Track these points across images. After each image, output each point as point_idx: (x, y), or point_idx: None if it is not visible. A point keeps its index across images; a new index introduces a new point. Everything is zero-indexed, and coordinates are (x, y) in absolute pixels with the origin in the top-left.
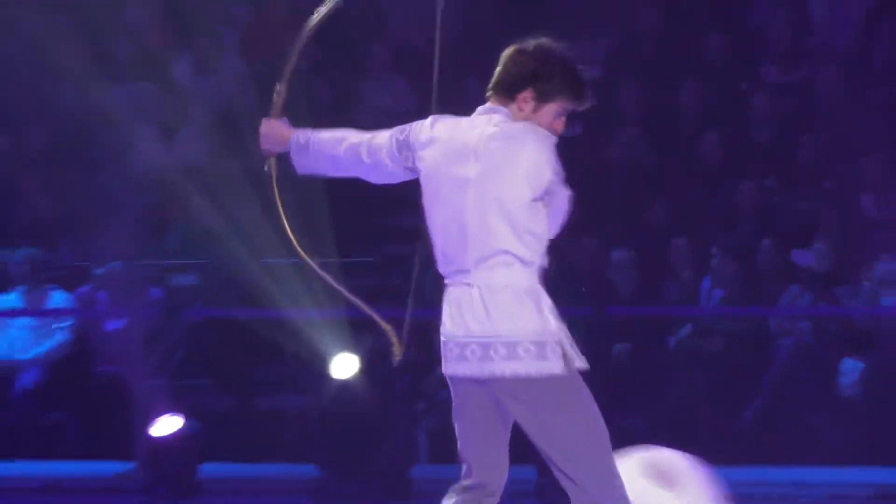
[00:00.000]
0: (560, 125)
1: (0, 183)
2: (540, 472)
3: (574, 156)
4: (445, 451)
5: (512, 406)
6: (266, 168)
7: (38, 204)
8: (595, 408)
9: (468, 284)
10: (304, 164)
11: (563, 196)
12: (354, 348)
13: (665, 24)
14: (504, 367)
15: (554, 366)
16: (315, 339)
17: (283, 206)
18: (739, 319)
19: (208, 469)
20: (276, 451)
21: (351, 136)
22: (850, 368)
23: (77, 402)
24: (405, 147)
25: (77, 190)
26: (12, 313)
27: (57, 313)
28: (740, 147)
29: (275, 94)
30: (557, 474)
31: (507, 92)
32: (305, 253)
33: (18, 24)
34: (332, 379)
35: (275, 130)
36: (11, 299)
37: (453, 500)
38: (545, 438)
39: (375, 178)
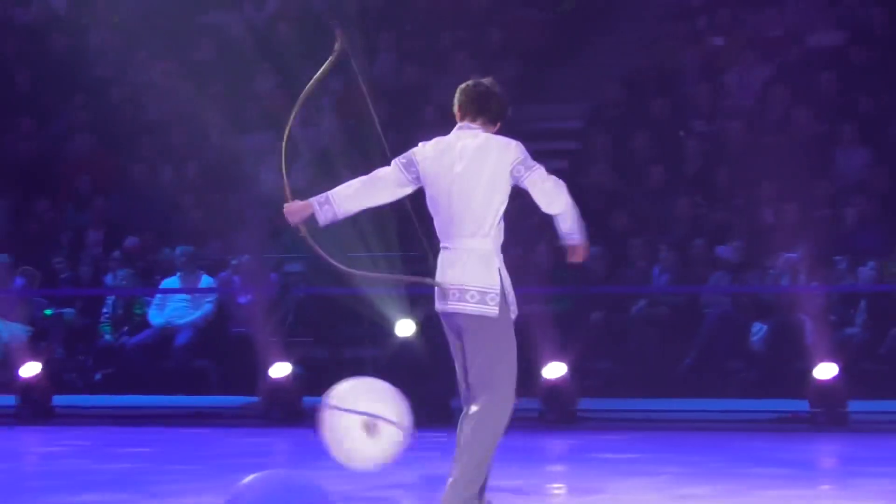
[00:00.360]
0: None
1: (165, 200)
2: (542, 402)
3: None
4: None
5: (462, 334)
6: (301, 233)
7: (192, 215)
8: (513, 345)
9: (448, 248)
10: (327, 217)
11: (537, 170)
12: (412, 315)
13: (624, 91)
14: (457, 306)
15: (491, 310)
16: (384, 309)
17: (317, 247)
18: (679, 295)
19: (309, 401)
20: None
21: (358, 178)
22: (758, 329)
23: (217, 354)
24: (410, 164)
25: (219, 205)
26: (174, 291)
27: (204, 291)
28: (677, 176)
29: (284, 185)
30: (473, 382)
31: (494, 118)
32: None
33: (178, 89)
34: (396, 336)
35: (294, 207)
36: (173, 281)
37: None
38: (475, 358)
39: (385, 198)
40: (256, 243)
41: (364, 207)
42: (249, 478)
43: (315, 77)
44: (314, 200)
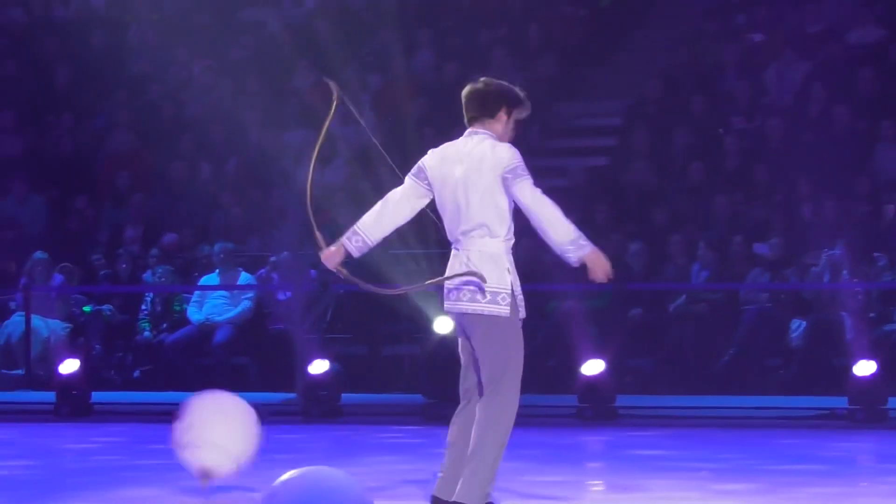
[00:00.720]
0: (515, 129)
1: (205, 197)
2: (579, 399)
3: (602, 180)
4: None
5: (471, 333)
6: (343, 275)
7: (231, 212)
8: (521, 345)
9: (458, 249)
10: (359, 248)
11: (523, 180)
12: None
13: (664, 88)
14: (468, 306)
15: (501, 310)
16: (423, 306)
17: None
18: (718, 292)
19: (347, 397)
20: (395, 384)
21: (378, 203)
22: (797, 326)
23: (256, 351)
24: (420, 172)
25: (258, 202)
26: (213, 288)
27: (243, 288)
28: (716, 173)
29: (315, 233)
30: (483, 381)
31: (495, 112)
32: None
33: (217, 86)
34: (434, 333)
35: (328, 254)
36: (212, 278)
37: (458, 417)
38: (485, 357)
39: (407, 213)
40: (295, 240)
41: (392, 227)
42: (287, 474)
43: (323, 131)
44: (343, 239)
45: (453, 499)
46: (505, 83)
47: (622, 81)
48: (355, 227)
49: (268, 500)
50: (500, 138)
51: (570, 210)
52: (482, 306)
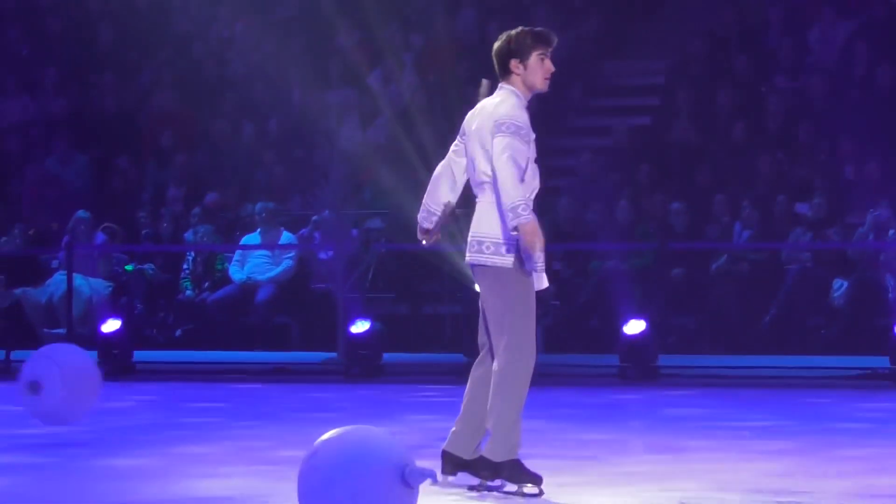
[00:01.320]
0: (549, 66)
1: (247, 157)
2: (621, 359)
3: (645, 139)
4: (552, 343)
5: (480, 284)
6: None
7: (273, 171)
8: (528, 299)
9: (476, 203)
10: (434, 221)
11: (500, 138)
12: None
13: (707, 47)
14: (475, 257)
15: (504, 261)
16: (463, 265)
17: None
18: (760, 251)
19: (389, 357)
20: (436, 343)
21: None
22: (839, 286)
23: (298, 309)
24: (462, 133)
25: (301, 161)
26: (255, 247)
27: (285, 247)
28: (760, 132)
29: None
30: (491, 332)
31: (502, 69)
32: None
33: (262, 45)
34: (474, 292)
35: (421, 237)
36: (254, 237)
37: (474, 373)
38: (489, 307)
39: (459, 173)
40: (338, 199)
41: (452, 190)
42: (330, 433)
43: None
44: (420, 219)
45: (481, 454)
46: (515, 31)
47: (665, 41)
48: (423, 204)
49: (310, 459)
50: (531, 87)
51: (613, 168)
52: (486, 257)
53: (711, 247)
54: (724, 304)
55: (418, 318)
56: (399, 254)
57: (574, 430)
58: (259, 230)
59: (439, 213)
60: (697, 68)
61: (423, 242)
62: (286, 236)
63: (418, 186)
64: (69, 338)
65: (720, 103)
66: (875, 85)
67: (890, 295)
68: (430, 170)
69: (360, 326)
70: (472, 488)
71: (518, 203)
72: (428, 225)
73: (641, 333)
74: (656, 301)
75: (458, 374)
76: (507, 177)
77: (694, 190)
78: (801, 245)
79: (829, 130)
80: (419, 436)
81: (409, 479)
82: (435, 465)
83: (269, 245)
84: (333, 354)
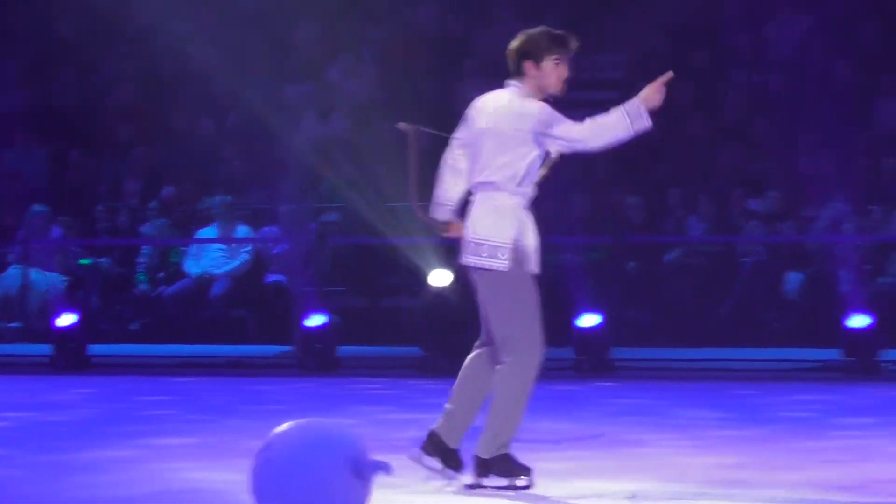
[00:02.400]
0: (564, 71)
1: (206, 150)
2: (576, 352)
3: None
4: None
5: (477, 287)
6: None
7: (231, 165)
8: (527, 297)
9: (472, 201)
10: (445, 213)
11: (558, 136)
12: (447, 265)
13: (666, 43)
14: (472, 260)
15: (499, 264)
16: (420, 259)
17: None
18: (715, 245)
19: (344, 350)
20: (393, 337)
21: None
22: (793, 279)
23: (253, 303)
24: (466, 119)
25: (259, 155)
26: (210, 240)
27: (240, 241)
28: (716, 127)
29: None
30: (496, 338)
31: (516, 68)
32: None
33: (220, 38)
34: (431, 286)
35: (428, 222)
36: (210, 231)
37: (474, 353)
38: (488, 312)
39: (464, 166)
40: (294, 192)
41: (461, 183)
42: (284, 426)
43: (412, 173)
44: (432, 213)
45: (474, 452)
46: (533, 32)
47: (625, 35)
48: (434, 196)
49: (264, 451)
50: (542, 89)
51: (569, 161)
52: (482, 260)
53: (667, 240)
54: (678, 297)
55: (375, 312)
56: (355, 247)
57: (528, 422)
58: (215, 224)
59: (451, 204)
60: (656, 63)
61: (443, 235)
62: (243, 231)
63: (376, 180)
64: (24, 331)
65: (678, 98)
66: (832, 79)
67: (843, 288)
68: (388, 164)
69: (315, 320)
70: (468, 486)
71: (626, 123)
72: (444, 217)
73: (596, 326)
74: (611, 294)
75: (415, 368)
76: (602, 131)
77: (651, 183)
78: (756, 238)
79: (786, 124)
80: (373, 428)
81: (363, 472)
82: (390, 458)
83: (224, 239)
84: (289, 348)
